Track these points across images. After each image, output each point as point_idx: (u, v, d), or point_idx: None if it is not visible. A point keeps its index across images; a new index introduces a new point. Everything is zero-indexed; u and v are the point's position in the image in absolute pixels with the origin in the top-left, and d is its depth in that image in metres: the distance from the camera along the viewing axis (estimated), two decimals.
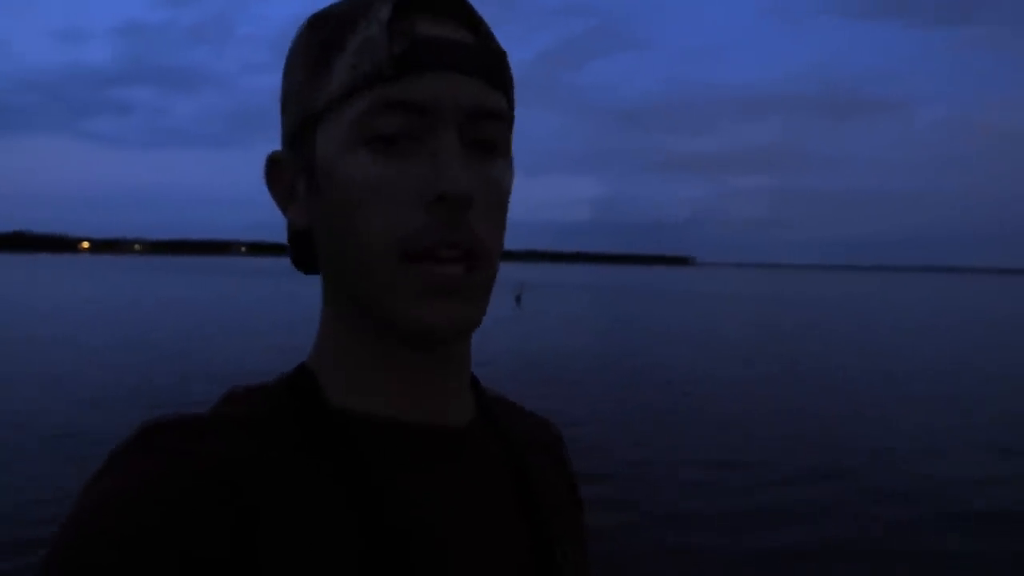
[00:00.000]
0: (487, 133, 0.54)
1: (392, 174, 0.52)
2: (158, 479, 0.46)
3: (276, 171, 0.59)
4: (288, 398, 0.56)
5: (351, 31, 0.53)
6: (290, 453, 0.52)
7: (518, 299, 33.59)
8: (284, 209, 0.59)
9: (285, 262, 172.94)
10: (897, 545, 5.75)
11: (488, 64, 0.54)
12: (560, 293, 47.55)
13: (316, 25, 0.56)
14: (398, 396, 0.57)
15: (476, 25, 0.56)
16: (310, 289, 44.03)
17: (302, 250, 0.62)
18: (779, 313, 33.78)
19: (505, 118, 0.56)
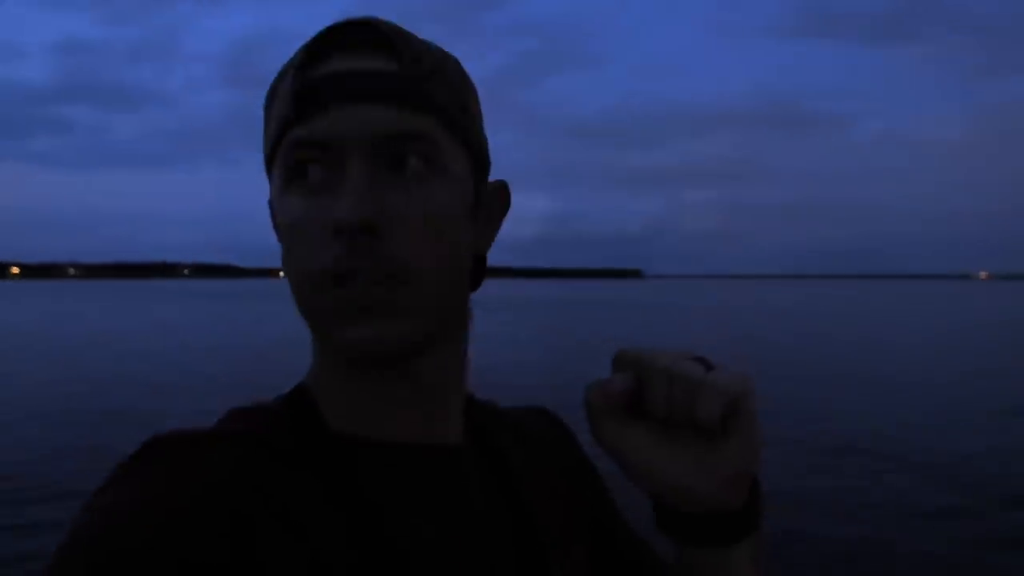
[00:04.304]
0: (404, 153, 0.55)
1: (308, 212, 0.54)
2: (161, 493, 0.47)
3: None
4: (287, 418, 0.58)
5: (281, 81, 0.58)
6: (288, 471, 0.53)
7: None
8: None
9: (229, 284, 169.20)
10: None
11: (403, 88, 0.55)
12: (505, 308, 47.46)
13: (277, 75, 0.60)
14: (381, 417, 0.59)
15: (398, 50, 0.56)
16: (247, 315, 42.93)
17: None
18: (737, 321, 34.16)
19: (426, 138, 0.55)
